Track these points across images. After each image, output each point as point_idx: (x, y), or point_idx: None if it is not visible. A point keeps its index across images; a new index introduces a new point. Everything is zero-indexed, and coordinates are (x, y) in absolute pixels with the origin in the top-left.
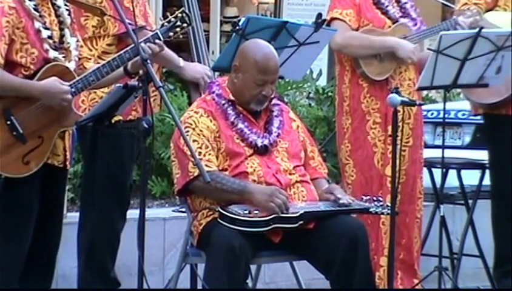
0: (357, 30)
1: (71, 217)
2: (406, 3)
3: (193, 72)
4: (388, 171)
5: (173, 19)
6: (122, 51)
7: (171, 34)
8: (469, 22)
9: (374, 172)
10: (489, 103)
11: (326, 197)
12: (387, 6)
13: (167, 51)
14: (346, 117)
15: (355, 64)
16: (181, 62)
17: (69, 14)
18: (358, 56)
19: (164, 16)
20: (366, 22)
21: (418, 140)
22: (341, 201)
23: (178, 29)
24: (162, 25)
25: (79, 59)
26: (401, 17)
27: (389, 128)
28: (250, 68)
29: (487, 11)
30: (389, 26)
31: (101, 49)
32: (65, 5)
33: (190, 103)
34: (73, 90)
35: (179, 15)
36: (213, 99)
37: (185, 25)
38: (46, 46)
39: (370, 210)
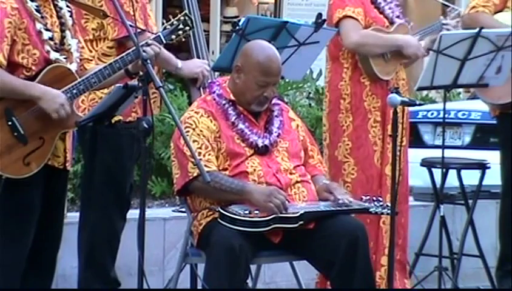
0: (364, 29)
1: (71, 217)
2: (391, 2)
3: (192, 68)
4: (388, 170)
5: (175, 22)
6: (124, 54)
7: (173, 37)
8: (454, 23)
9: (374, 171)
10: (505, 103)
11: (325, 196)
12: (383, 6)
13: (165, 52)
14: (345, 115)
15: (363, 63)
16: (179, 63)
17: (71, 16)
18: (373, 55)
19: (167, 19)
20: (370, 22)
21: (407, 140)
22: (340, 201)
23: (180, 32)
24: (165, 28)
25: (80, 60)
26: (395, 17)
27: (388, 127)
28: (253, 69)
29: (496, 12)
30: (387, 27)
31: (101, 51)
32: (68, 6)
33: (190, 103)
34: (74, 91)
35: (182, 18)
36: (214, 99)
37: (187, 28)
38: (47, 47)
39: (370, 210)
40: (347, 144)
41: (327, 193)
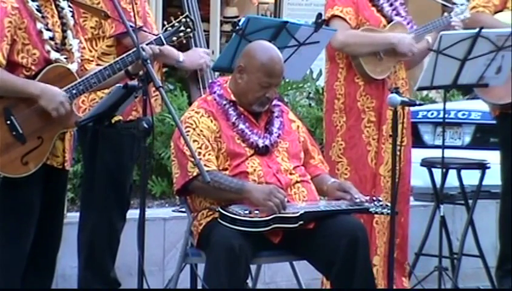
0: (355, 28)
1: (71, 217)
2: (395, 1)
3: (196, 60)
4: (382, 170)
5: (176, 24)
6: (124, 54)
7: (174, 38)
8: (459, 22)
9: (368, 171)
10: (506, 103)
11: (338, 195)
12: (382, 3)
13: (166, 47)
14: (339, 115)
15: (355, 63)
16: (181, 56)
17: (72, 16)
18: (360, 54)
19: (167, 20)
20: (363, 21)
21: (409, 139)
22: (357, 200)
23: (181, 34)
24: (166, 30)
25: (81, 60)
26: (395, 15)
27: (384, 127)
28: (256, 70)
29: (495, 13)
30: (384, 26)
31: (100, 50)
32: (69, 6)
33: (190, 103)
34: (74, 91)
35: (183, 20)
36: (214, 99)
37: (188, 30)
38: (47, 47)
39: (370, 209)
40: (341, 144)
41: (340, 191)
